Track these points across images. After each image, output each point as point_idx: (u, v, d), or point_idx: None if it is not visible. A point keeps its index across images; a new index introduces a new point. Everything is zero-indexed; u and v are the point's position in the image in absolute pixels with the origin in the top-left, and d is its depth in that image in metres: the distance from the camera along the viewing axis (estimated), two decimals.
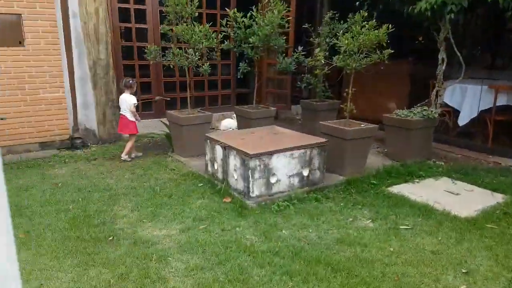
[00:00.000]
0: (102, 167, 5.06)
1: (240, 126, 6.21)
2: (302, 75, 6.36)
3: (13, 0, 5.16)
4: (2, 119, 5.29)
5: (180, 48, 5.26)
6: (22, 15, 5.27)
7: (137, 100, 5.29)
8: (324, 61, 4.53)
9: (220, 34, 5.38)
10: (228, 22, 5.51)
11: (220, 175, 4.37)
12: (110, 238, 3.16)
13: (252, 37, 5.37)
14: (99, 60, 6.07)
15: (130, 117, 5.28)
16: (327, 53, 4.71)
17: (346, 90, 4.66)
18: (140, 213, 3.64)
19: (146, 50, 5.22)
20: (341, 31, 4.52)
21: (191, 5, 5.07)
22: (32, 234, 3.20)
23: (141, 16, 6.76)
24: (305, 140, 4.32)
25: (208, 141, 4.52)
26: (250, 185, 3.86)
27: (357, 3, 5.79)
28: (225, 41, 5.64)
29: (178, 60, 4.97)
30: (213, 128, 7.34)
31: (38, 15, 5.38)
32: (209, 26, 5.24)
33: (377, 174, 4.74)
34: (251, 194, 3.88)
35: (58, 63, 5.65)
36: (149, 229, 3.34)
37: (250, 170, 3.82)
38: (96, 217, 3.53)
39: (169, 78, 7.16)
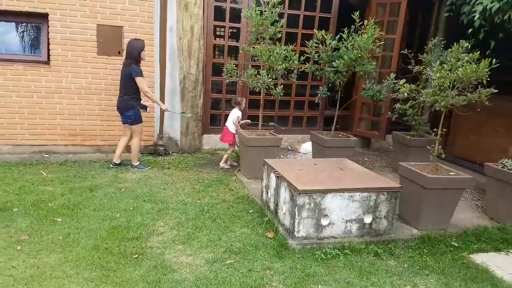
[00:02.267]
0: (169, 177, 5.16)
1: (314, 154, 5.79)
2: (395, 104, 5.65)
3: (117, 14, 5.65)
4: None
5: (258, 68, 5.14)
6: (123, 27, 5.73)
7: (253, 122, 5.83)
8: (408, 94, 3.89)
9: (302, 56, 5.08)
10: (314, 44, 5.18)
11: (272, 205, 4.06)
12: (136, 256, 3.09)
13: (337, 60, 4.95)
14: (189, 75, 6.29)
15: (232, 128, 5.63)
16: (412, 85, 4.01)
17: (435, 129, 3.94)
18: (178, 233, 3.53)
19: (224, 69, 5.20)
20: (438, 61, 3.84)
21: (274, 26, 4.89)
22: (70, 237, 3.32)
23: (235, 34, 6.85)
24: (373, 182, 3.74)
25: (266, 166, 4.25)
26: (296, 224, 3.46)
27: (470, 30, 4.94)
28: (306, 62, 5.32)
29: (252, 81, 4.81)
30: (293, 150, 7.05)
31: (137, 28, 5.80)
32: (297, 46, 4.99)
33: (463, 235, 3.88)
34: (296, 233, 3.48)
35: (151, 74, 6.00)
36: (177, 253, 3.19)
37: (297, 207, 3.42)
38: (134, 230, 3.52)
39: (255, 96, 7.09)
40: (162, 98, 6.22)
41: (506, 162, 4.31)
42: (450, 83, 3.70)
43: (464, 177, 3.93)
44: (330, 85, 5.40)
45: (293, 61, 4.93)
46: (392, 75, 5.02)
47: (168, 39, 6.10)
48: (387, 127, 7.18)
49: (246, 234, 3.62)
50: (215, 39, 6.77)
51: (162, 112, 6.24)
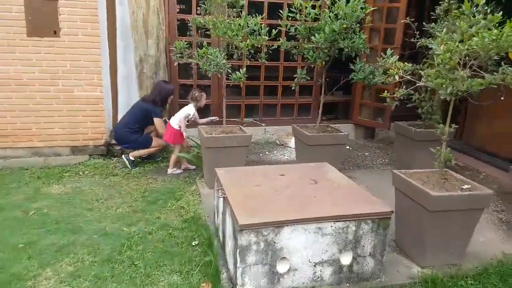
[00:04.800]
0: (108, 189, 4.13)
1: (297, 152, 4.69)
2: (396, 89, 4.44)
3: None
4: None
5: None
6: (58, 1, 4.63)
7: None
8: (402, 77, 2.73)
9: (274, 29, 3.91)
10: (289, 14, 4.00)
11: (220, 234, 3.00)
12: None
13: (316, 34, 3.77)
14: (147, 57, 5.18)
15: (175, 124, 4.61)
16: (408, 64, 2.83)
17: (441, 124, 2.77)
18: None
19: (172, 48, 4.08)
20: (444, 29, 2.67)
21: None
22: None
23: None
24: (353, 203, 2.63)
25: (216, 178, 3.17)
26: (239, 274, 2.39)
27: None
28: (279, 38, 4.14)
29: (203, 64, 3.68)
30: (281, 145, 5.94)
31: (77, 2, 4.68)
32: (264, 19, 3.83)
33: (483, 274, 2.75)
34: None
35: (96, 58, 4.91)
36: None
37: (239, 250, 2.35)
38: None
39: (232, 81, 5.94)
40: (114, 87, 5.15)
41: None
42: (460, 59, 2.52)
43: (483, 194, 2.76)
44: (312, 66, 4.21)
45: (260, 36, 3.77)
46: (389, 51, 3.81)
47: (119, 14, 4.98)
48: (391, 115, 5.97)
49: (173, 286, 2.57)
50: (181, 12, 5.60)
51: (114, 102, 5.19)
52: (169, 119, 5.21)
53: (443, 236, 2.77)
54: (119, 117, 5.21)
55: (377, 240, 2.57)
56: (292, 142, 5.86)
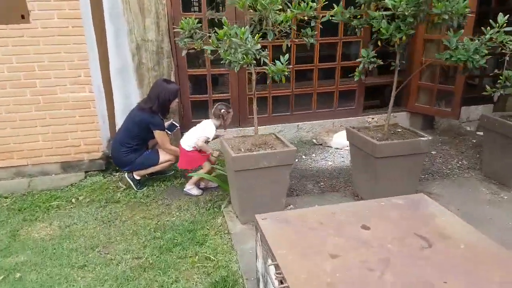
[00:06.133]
0: (107, 226, 3.04)
1: (354, 165, 3.44)
2: (496, 71, 3.16)
3: None
4: None
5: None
6: None
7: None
8: None
9: None
10: None
11: None
12: None
13: None
14: (145, 43, 3.97)
15: (187, 146, 3.48)
16: None
17: None
18: None
19: (176, 27, 2.86)
20: None
21: None
22: None
23: None
24: None
25: (259, 235, 2.01)
26: None
27: None
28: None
29: (224, 52, 2.45)
30: (320, 144, 4.74)
31: None
32: None
33: None
34: None
35: (81, 47, 3.74)
36: None
37: None
38: None
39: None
40: (107, 84, 3.99)
41: None
42: None
43: None
44: (382, 44, 2.91)
45: (307, 5, 2.51)
46: (504, 17, 2.52)
47: None
48: (461, 100, 4.66)
49: None
50: None
51: (109, 104, 4.04)
52: (177, 122, 4.07)
53: None
54: (118, 122, 4.07)
55: None
56: (333, 142, 4.66)
